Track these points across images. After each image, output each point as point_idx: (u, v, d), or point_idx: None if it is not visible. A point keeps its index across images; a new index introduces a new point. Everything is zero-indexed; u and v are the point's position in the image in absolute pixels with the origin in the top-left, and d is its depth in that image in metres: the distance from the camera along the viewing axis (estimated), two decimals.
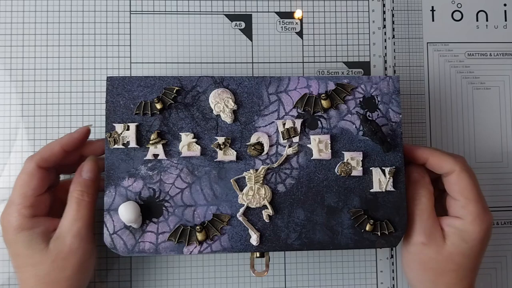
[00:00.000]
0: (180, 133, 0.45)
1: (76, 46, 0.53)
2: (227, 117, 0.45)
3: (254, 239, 0.44)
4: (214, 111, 0.45)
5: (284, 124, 0.46)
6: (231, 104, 0.45)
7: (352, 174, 0.45)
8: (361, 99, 0.47)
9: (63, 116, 0.52)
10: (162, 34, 0.54)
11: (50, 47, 0.53)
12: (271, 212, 0.45)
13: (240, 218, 0.44)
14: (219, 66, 0.54)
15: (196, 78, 0.46)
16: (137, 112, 0.45)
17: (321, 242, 0.45)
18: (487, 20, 0.57)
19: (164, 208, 0.44)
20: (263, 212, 0.45)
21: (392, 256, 0.54)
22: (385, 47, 0.56)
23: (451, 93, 0.56)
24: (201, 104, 0.46)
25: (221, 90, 0.46)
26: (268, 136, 0.45)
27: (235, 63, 0.54)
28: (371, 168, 0.46)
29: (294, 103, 0.46)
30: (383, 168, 0.46)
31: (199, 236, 0.44)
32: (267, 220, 0.45)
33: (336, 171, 0.46)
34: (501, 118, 0.56)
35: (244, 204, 0.45)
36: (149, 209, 0.44)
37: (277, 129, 0.46)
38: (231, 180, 0.45)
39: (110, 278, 0.51)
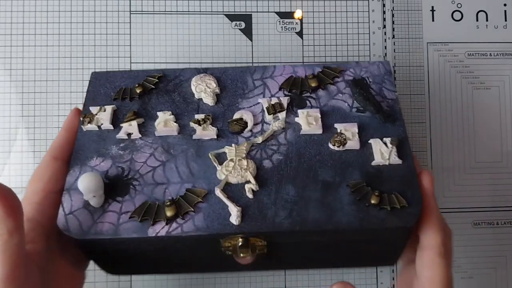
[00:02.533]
0: (158, 112, 0.42)
1: (76, 46, 0.53)
2: (208, 98, 0.42)
3: (234, 216, 0.37)
4: (195, 95, 0.43)
5: (269, 102, 0.43)
6: (213, 85, 0.43)
7: (348, 148, 0.40)
8: (351, 80, 0.44)
9: (63, 116, 0.52)
10: (162, 34, 0.54)
11: (50, 47, 0.53)
12: (255, 186, 0.38)
13: (218, 192, 0.38)
14: (219, 66, 0.54)
15: (179, 70, 0.45)
16: (116, 97, 0.43)
17: (317, 220, 0.37)
18: (487, 20, 0.57)
19: (131, 186, 0.39)
20: (245, 186, 0.38)
21: None
22: (385, 47, 0.56)
23: (451, 93, 0.56)
24: (182, 90, 0.44)
25: (203, 74, 0.44)
26: (253, 115, 0.42)
27: (235, 63, 0.54)
28: (369, 141, 0.40)
29: (280, 85, 0.44)
30: (384, 138, 0.40)
31: (168, 212, 0.37)
32: (250, 196, 0.38)
33: (329, 145, 0.40)
34: (501, 118, 0.56)
35: (223, 178, 0.39)
36: (114, 188, 0.39)
37: (262, 108, 0.42)
38: (209, 154, 0.40)
39: (110, 278, 0.51)
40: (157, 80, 0.44)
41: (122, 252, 0.39)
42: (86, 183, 0.37)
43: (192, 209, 0.37)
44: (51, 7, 0.53)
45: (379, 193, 0.37)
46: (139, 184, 0.39)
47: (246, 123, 0.41)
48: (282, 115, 0.42)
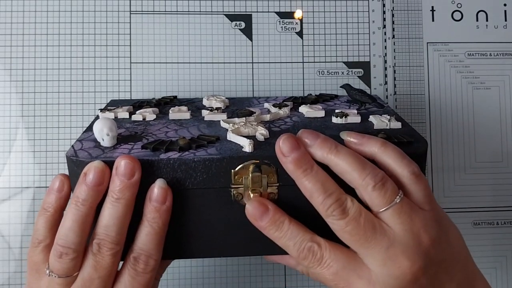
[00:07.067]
0: (172, 108, 0.46)
1: (76, 46, 0.53)
2: (219, 103, 0.47)
3: (247, 146, 0.37)
4: (207, 105, 0.48)
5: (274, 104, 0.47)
6: (223, 98, 0.48)
7: (349, 121, 0.43)
8: (348, 99, 0.49)
9: (63, 116, 0.52)
10: (162, 34, 0.54)
11: (50, 47, 0.53)
12: (265, 133, 0.39)
13: (231, 134, 0.39)
14: (219, 66, 0.54)
15: (191, 98, 0.51)
16: (133, 105, 0.47)
17: None
18: (487, 20, 0.57)
19: (145, 138, 0.40)
20: (256, 133, 0.39)
21: None
22: (385, 47, 0.56)
23: (451, 93, 0.56)
24: (195, 104, 0.48)
25: (213, 94, 0.50)
26: (260, 111, 0.45)
27: (235, 63, 0.54)
28: (369, 119, 0.43)
29: (283, 100, 0.49)
30: (383, 115, 0.43)
31: (181, 141, 0.38)
32: (261, 139, 0.39)
33: (332, 119, 0.43)
34: (501, 118, 0.56)
35: (234, 128, 0.40)
36: (127, 139, 0.40)
37: (268, 110, 0.46)
38: (221, 120, 0.42)
39: None
40: (172, 98, 0.50)
41: None
42: (102, 120, 0.38)
43: (205, 144, 0.38)
44: (51, 7, 0.53)
45: (385, 133, 0.39)
46: (152, 138, 0.40)
47: (254, 112, 0.44)
48: (287, 108, 0.46)
